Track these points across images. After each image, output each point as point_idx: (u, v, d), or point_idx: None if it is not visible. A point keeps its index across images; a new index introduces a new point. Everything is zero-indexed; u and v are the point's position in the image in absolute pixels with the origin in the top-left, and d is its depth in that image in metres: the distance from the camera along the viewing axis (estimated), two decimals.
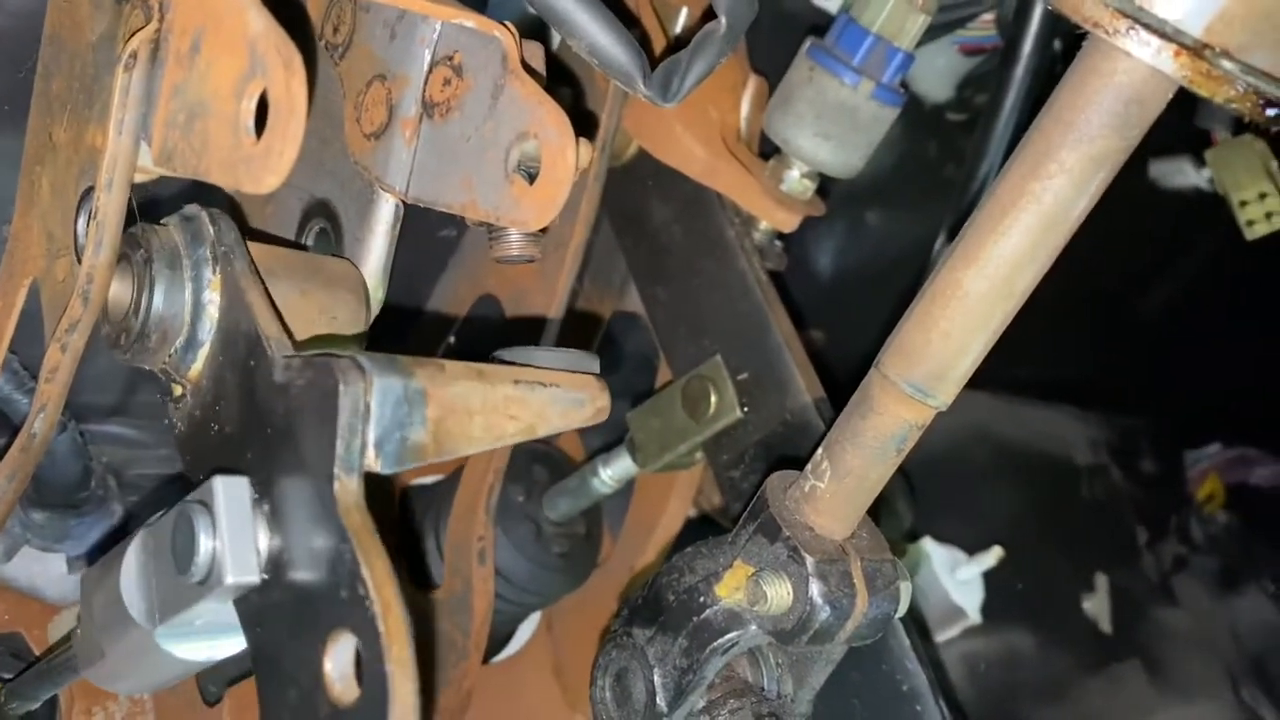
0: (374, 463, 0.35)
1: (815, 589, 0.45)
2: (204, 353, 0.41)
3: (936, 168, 0.89)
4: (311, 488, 0.35)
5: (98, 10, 0.46)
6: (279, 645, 0.36)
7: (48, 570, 0.63)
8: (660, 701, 0.47)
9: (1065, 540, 1.10)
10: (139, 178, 0.43)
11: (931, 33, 0.63)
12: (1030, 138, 0.39)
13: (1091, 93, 0.37)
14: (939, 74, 0.85)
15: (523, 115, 0.40)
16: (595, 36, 0.45)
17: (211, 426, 0.41)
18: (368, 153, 0.45)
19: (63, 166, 0.47)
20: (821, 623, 0.45)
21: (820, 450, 0.46)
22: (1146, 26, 0.35)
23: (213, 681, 0.52)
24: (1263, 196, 0.88)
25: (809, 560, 0.45)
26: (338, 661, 0.33)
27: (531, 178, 0.40)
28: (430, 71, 0.43)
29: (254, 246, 0.42)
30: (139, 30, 0.41)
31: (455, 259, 0.72)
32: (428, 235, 0.71)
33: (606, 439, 0.72)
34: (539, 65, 0.42)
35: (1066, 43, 0.70)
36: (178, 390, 0.42)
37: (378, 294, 0.47)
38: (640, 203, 0.66)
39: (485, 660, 0.68)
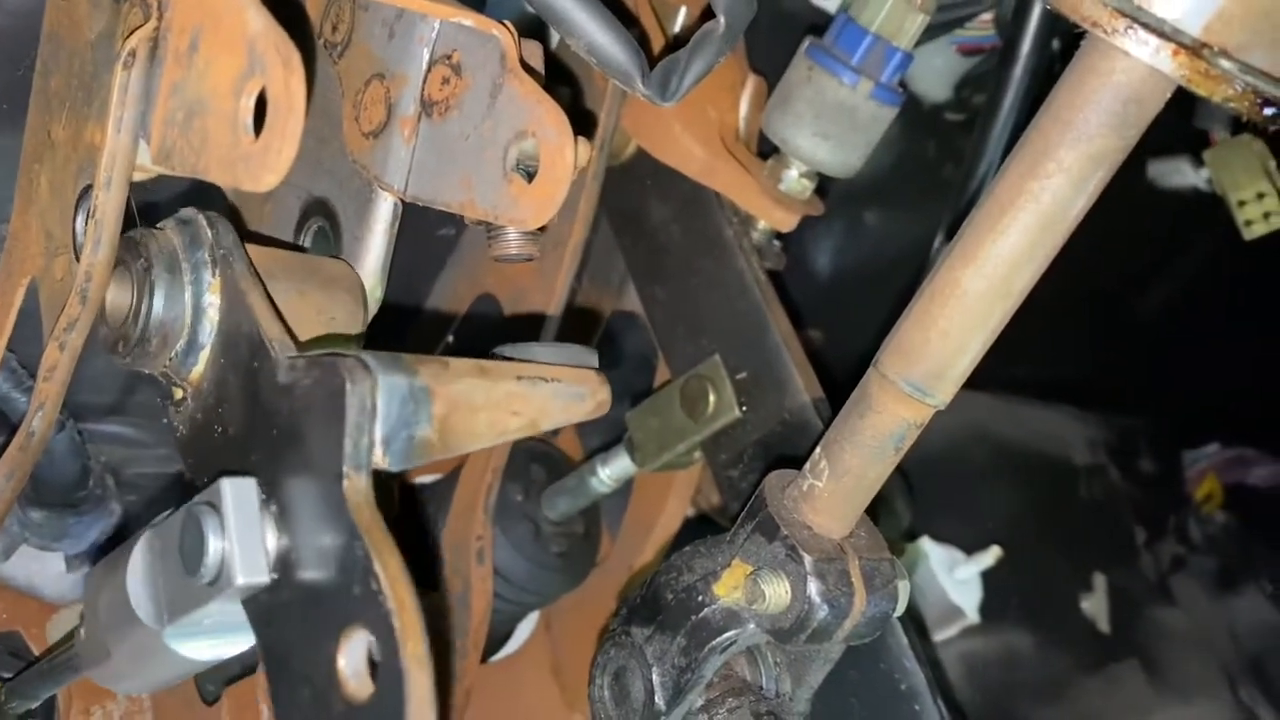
0: (381, 460, 0.35)
1: (813, 588, 0.45)
2: (205, 355, 0.41)
3: (935, 167, 0.89)
4: (320, 487, 0.35)
5: (96, 8, 0.46)
6: (290, 644, 0.36)
7: (46, 569, 0.63)
8: (658, 700, 0.48)
9: (1063, 540, 1.10)
10: (137, 176, 0.43)
11: (930, 32, 0.63)
12: (1028, 137, 0.39)
13: (1090, 92, 0.37)
14: (937, 74, 0.85)
15: (521, 114, 0.40)
16: (594, 35, 0.45)
17: (214, 429, 0.41)
18: (366, 151, 0.45)
19: (61, 164, 0.47)
20: (819, 621, 0.45)
21: (818, 449, 0.46)
22: (1145, 26, 0.35)
23: (211, 681, 0.52)
24: (1261, 196, 0.88)
25: (807, 559, 0.45)
26: (351, 659, 0.33)
27: (530, 176, 0.40)
28: (429, 70, 0.43)
29: (251, 249, 0.42)
30: (138, 28, 0.41)
31: (454, 258, 0.72)
32: (426, 234, 0.71)
33: (605, 438, 0.72)
34: (538, 64, 0.42)
35: (1065, 42, 0.70)
36: (178, 393, 0.43)
37: (376, 293, 0.47)
38: (639, 202, 0.66)
39: (484, 659, 0.68)
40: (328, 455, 0.35)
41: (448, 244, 0.72)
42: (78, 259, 0.44)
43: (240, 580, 0.36)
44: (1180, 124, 0.91)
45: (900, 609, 0.48)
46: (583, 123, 0.53)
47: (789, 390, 0.59)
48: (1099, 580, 1.09)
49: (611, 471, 0.66)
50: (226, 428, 0.40)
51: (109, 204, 0.42)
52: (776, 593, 0.45)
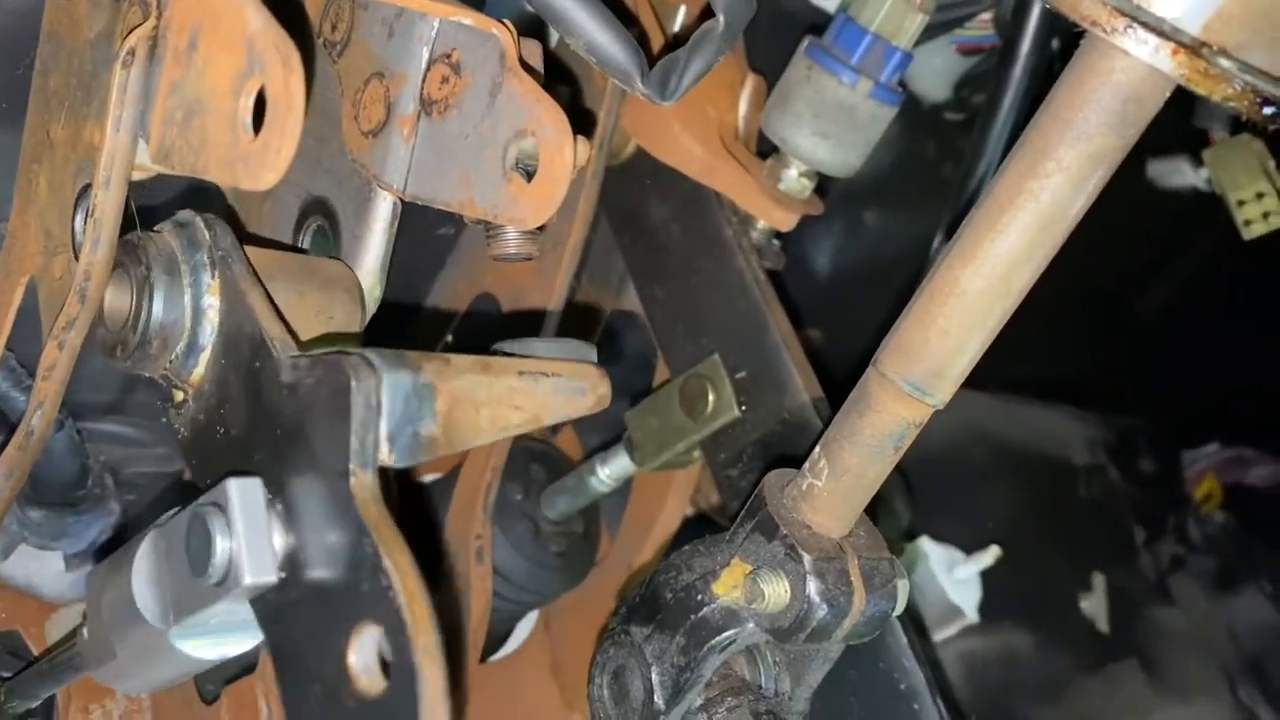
0: (387, 457, 0.36)
1: (812, 587, 0.45)
2: (205, 357, 0.42)
3: (934, 167, 0.89)
4: (326, 485, 0.36)
5: (96, 8, 0.46)
6: (299, 642, 0.36)
7: (44, 568, 0.63)
8: (658, 699, 0.48)
9: (1063, 540, 1.10)
10: (137, 175, 0.43)
11: (929, 32, 0.63)
12: (1028, 136, 0.39)
13: (1089, 91, 0.37)
14: (937, 73, 0.85)
15: (521, 113, 0.40)
16: (593, 34, 0.45)
17: (217, 430, 0.41)
18: (365, 150, 0.45)
19: (60, 164, 0.47)
20: (819, 620, 0.45)
21: (818, 448, 0.46)
22: (1144, 25, 0.35)
23: (210, 680, 0.52)
24: (1260, 196, 0.88)
25: (806, 558, 0.45)
26: (362, 655, 0.34)
27: (529, 175, 0.40)
28: (428, 69, 0.43)
29: (249, 250, 0.43)
30: (137, 27, 0.41)
31: (453, 257, 0.72)
32: (426, 233, 0.71)
33: (604, 438, 0.72)
34: (537, 63, 0.42)
35: (1064, 42, 0.70)
36: (179, 396, 0.43)
37: (375, 292, 0.47)
38: (638, 201, 0.66)
39: (483, 659, 0.68)
40: (333, 453, 0.35)
41: (447, 243, 0.72)
42: (76, 258, 0.44)
43: (248, 580, 0.36)
44: (1179, 123, 0.91)
45: (899, 608, 0.48)
46: (582, 122, 0.53)
47: (788, 389, 0.59)
48: (1098, 580, 1.09)
49: (611, 471, 0.66)
50: (229, 428, 0.40)
51: (108, 203, 0.42)
52: (776, 592, 0.45)
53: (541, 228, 0.43)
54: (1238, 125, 0.89)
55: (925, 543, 0.90)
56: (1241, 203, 0.89)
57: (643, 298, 0.67)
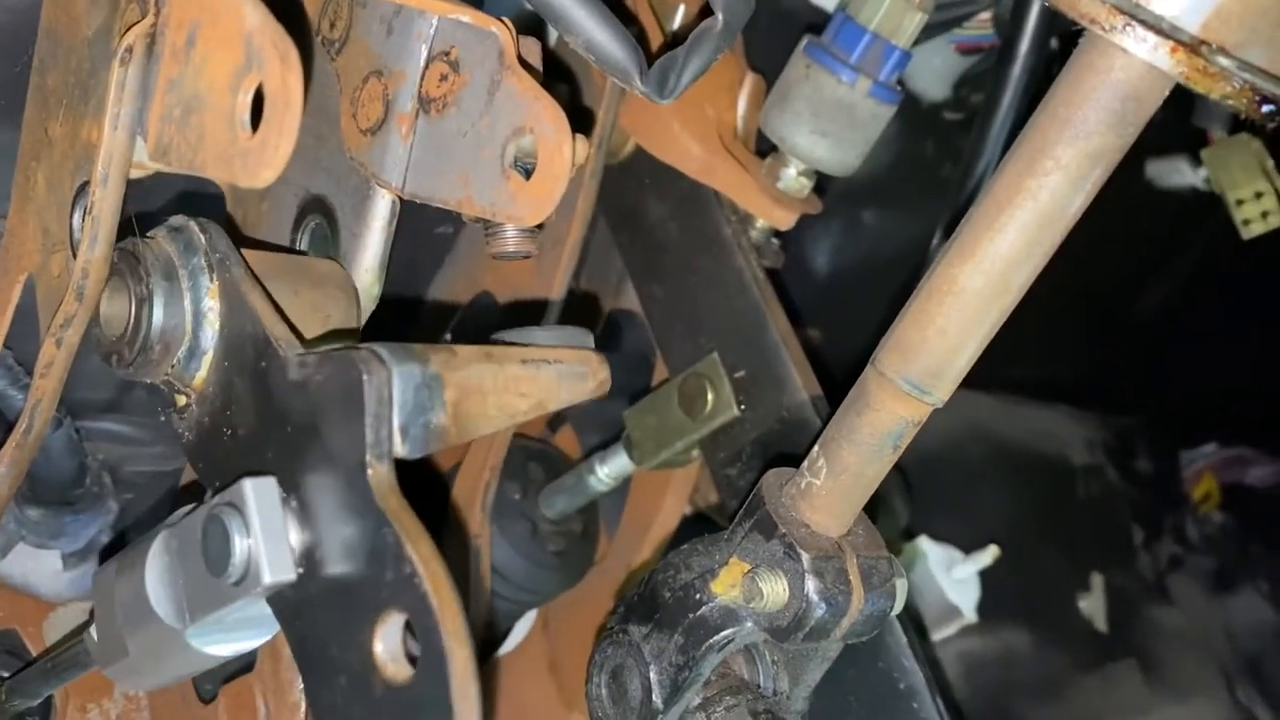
0: (400, 448, 0.36)
1: (811, 586, 0.45)
2: (208, 360, 0.42)
3: (933, 166, 0.89)
4: (342, 479, 0.36)
5: (94, 5, 0.46)
6: (322, 636, 0.37)
7: (42, 567, 0.63)
8: (656, 698, 0.47)
9: (1061, 539, 1.10)
10: (135, 173, 0.43)
11: (928, 31, 0.63)
12: (1027, 134, 0.39)
13: (1088, 89, 0.37)
14: (936, 73, 0.85)
15: (519, 111, 0.40)
16: (592, 33, 0.45)
17: (224, 432, 0.41)
18: (364, 148, 0.45)
19: (58, 161, 0.47)
20: (817, 619, 0.45)
21: (816, 447, 0.46)
22: (1143, 23, 0.35)
23: (208, 679, 0.52)
24: (1259, 195, 0.88)
25: (805, 557, 0.45)
26: (387, 643, 0.34)
27: (528, 173, 0.40)
28: (427, 67, 0.43)
29: (243, 251, 0.43)
30: (135, 24, 0.41)
31: (452, 256, 0.72)
32: (424, 231, 0.71)
33: (603, 437, 0.72)
34: (536, 61, 0.42)
35: (1063, 41, 0.70)
36: (182, 400, 0.43)
37: (374, 290, 0.47)
38: (637, 200, 0.66)
39: (482, 658, 0.68)
40: (348, 447, 0.36)
41: (446, 242, 0.72)
42: (74, 256, 0.44)
43: (268, 579, 0.37)
44: (1178, 123, 0.91)
45: (898, 607, 0.48)
46: (581, 120, 0.53)
47: (787, 388, 0.59)
48: (1096, 580, 1.09)
49: (610, 470, 0.66)
50: (236, 430, 0.41)
51: (106, 201, 0.42)
52: (774, 591, 0.45)
53: (540, 226, 0.43)
54: (1236, 124, 0.89)
55: (924, 542, 0.90)
56: (1240, 202, 0.89)
57: (641, 296, 0.67)
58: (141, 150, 0.42)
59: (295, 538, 0.37)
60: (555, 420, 0.76)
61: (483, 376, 0.39)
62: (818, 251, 0.89)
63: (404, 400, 0.36)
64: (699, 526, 0.71)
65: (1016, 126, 0.61)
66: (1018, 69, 0.68)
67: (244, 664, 0.47)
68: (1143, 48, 0.35)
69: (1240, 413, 1.20)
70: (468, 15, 0.42)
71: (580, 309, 0.71)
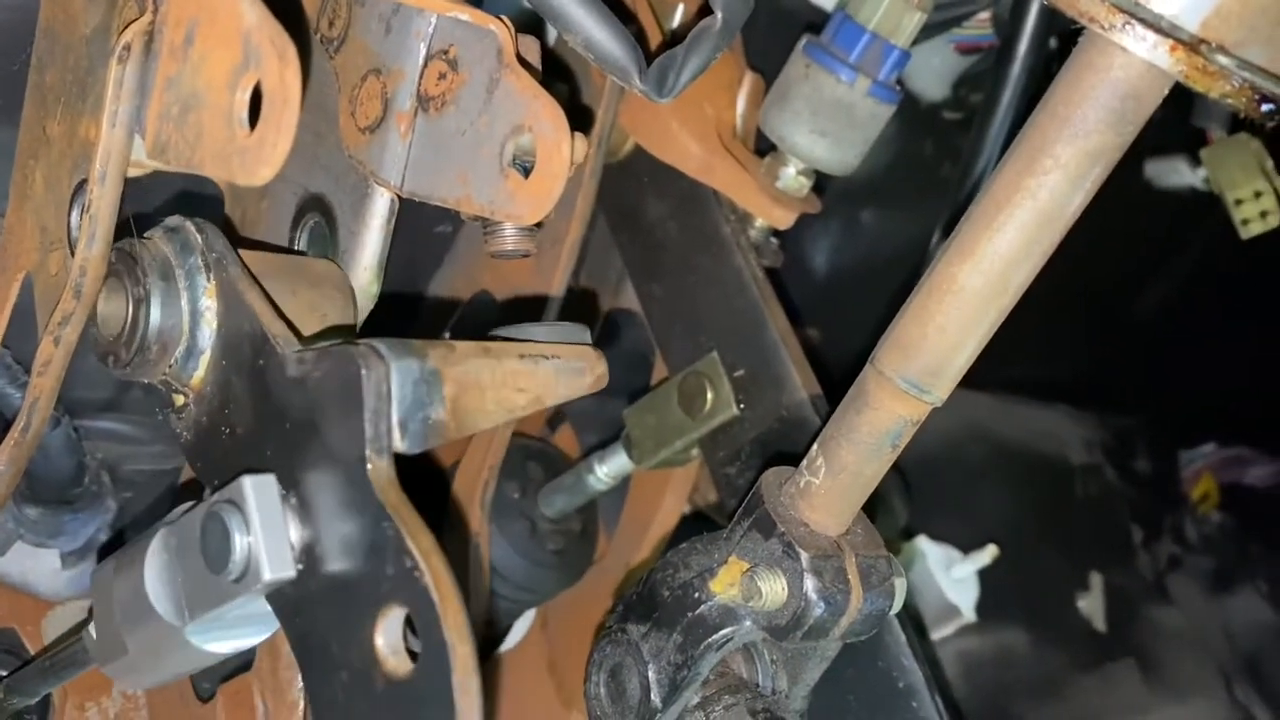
0: (399, 443, 0.36)
1: (810, 585, 0.45)
2: (205, 359, 0.42)
3: (932, 166, 0.89)
4: (342, 474, 0.36)
5: (92, 3, 0.46)
6: (322, 632, 0.37)
7: (41, 566, 0.63)
8: (655, 697, 0.47)
9: (1060, 539, 1.10)
10: (133, 171, 0.43)
11: (927, 31, 0.63)
12: (1026, 133, 0.39)
13: (1087, 88, 0.37)
14: (935, 73, 0.85)
15: (518, 109, 0.40)
16: (591, 31, 0.45)
17: (222, 430, 0.41)
18: (362, 147, 0.45)
19: (56, 160, 0.47)
20: (816, 618, 0.45)
21: (815, 446, 0.46)
22: (1142, 21, 0.35)
23: (206, 678, 0.52)
24: (1258, 195, 0.88)
25: (804, 556, 0.45)
26: (388, 638, 0.34)
27: (526, 172, 0.40)
28: (425, 65, 0.43)
29: (240, 251, 0.43)
30: (133, 22, 0.41)
31: (451, 255, 0.72)
32: (423, 230, 0.70)
33: (602, 436, 0.72)
34: (535, 60, 0.42)
35: (1062, 40, 0.70)
36: (180, 400, 0.43)
37: (372, 289, 0.47)
38: (636, 199, 0.66)
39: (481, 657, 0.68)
40: (348, 442, 0.36)
41: (444, 240, 0.71)
42: (72, 254, 0.44)
43: (268, 576, 0.37)
44: (1177, 122, 0.91)
45: (897, 606, 0.48)
46: (580, 119, 0.52)
47: (786, 387, 0.59)
48: (1095, 579, 1.09)
49: (609, 469, 0.66)
50: (234, 428, 0.41)
51: (104, 199, 0.42)
52: (773, 589, 0.45)
53: (539, 224, 0.43)
54: (1235, 124, 0.89)
55: (923, 542, 0.90)
56: (1239, 202, 0.89)
57: (641, 296, 0.67)
58: (139, 148, 0.42)
59: (295, 534, 0.37)
60: (554, 419, 0.76)
61: (481, 371, 0.39)
62: (817, 251, 0.89)
63: (402, 395, 0.36)
64: (698, 525, 0.71)
65: (1015, 126, 0.61)
66: (1017, 68, 0.68)
67: (242, 662, 0.47)
68: (1142, 46, 0.35)
69: (1239, 412, 1.20)
70: (466, 13, 0.42)
71: (579, 308, 0.71)
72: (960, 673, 0.94)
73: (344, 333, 0.44)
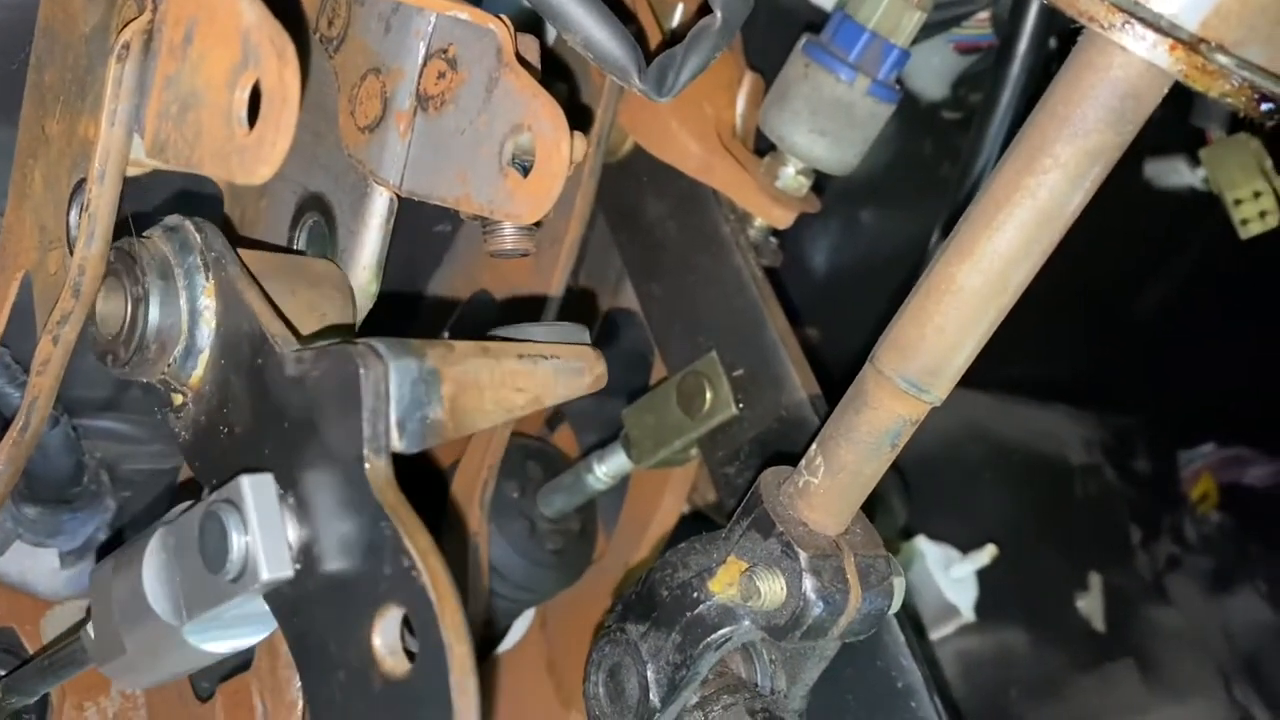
0: (397, 443, 0.36)
1: (808, 584, 0.45)
2: (204, 359, 0.42)
3: (932, 166, 0.89)
4: (340, 474, 0.36)
5: (91, 2, 0.46)
6: (320, 632, 0.37)
7: (39, 565, 0.63)
8: (654, 697, 0.47)
9: (1059, 539, 1.10)
10: (131, 170, 0.43)
11: (927, 31, 0.63)
12: (1025, 133, 0.39)
13: (1087, 87, 0.37)
14: (934, 72, 0.85)
15: (517, 108, 0.40)
16: (590, 30, 0.45)
17: (220, 430, 0.41)
18: (362, 146, 0.45)
19: (55, 159, 0.47)
20: (815, 618, 0.45)
21: (814, 446, 0.46)
22: (1142, 21, 0.35)
23: (205, 678, 0.52)
24: (1257, 195, 0.88)
25: (802, 556, 0.45)
26: (386, 637, 0.34)
27: (526, 171, 0.40)
28: (425, 64, 0.43)
29: (239, 251, 0.43)
30: (132, 21, 0.41)
31: (450, 254, 0.72)
32: (422, 229, 0.70)
33: (601, 435, 0.72)
34: (534, 59, 0.42)
35: (1062, 40, 0.70)
36: (178, 399, 0.43)
37: (372, 288, 0.47)
38: (635, 199, 0.66)
39: (480, 657, 0.68)
40: (346, 442, 0.36)
41: (444, 240, 0.71)
42: (71, 253, 0.44)
43: (266, 576, 0.37)
44: (1177, 122, 0.91)
45: (896, 606, 0.48)
46: (579, 118, 0.52)
47: (785, 387, 0.59)
48: (1094, 579, 1.09)
49: (608, 469, 0.66)
50: (233, 427, 0.41)
51: (102, 198, 0.42)
52: (771, 589, 0.45)
53: (538, 224, 0.43)
54: (1235, 124, 0.89)
55: (921, 541, 0.90)
56: (1238, 202, 0.89)
57: (640, 295, 0.67)
58: (138, 147, 0.42)
59: (293, 534, 0.37)
60: (553, 419, 0.76)
61: (479, 371, 0.39)
62: (816, 250, 0.89)
63: (401, 394, 0.36)
64: (697, 525, 0.71)
65: (1015, 125, 0.61)
66: (1016, 68, 0.68)
67: (241, 662, 0.47)
68: (1141, 45, 0.35)
69: (1238, 412, 1.20)
70: (466, 12, 0.42)
71: (578, 307, 0.71)
72: (959, 673, 0.94)
73: (343, 332, 0.44)
